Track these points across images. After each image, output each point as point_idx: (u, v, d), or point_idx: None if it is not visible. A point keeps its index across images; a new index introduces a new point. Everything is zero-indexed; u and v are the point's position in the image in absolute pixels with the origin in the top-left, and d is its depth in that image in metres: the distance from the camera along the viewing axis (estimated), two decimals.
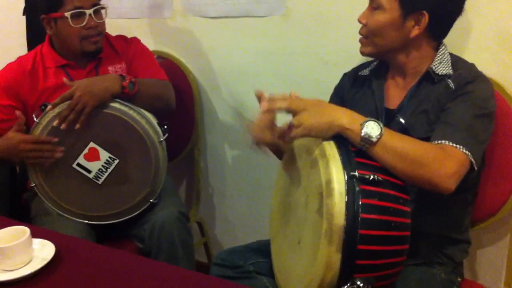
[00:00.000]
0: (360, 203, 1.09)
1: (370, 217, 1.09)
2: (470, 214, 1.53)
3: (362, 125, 1.19)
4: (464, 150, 1.25)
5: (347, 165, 1.14)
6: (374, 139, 1.19)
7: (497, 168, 1.56)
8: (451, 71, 1.40)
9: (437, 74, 1.40)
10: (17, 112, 1.72)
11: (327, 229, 1.08)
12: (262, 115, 1.38)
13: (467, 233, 1.52)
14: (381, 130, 1.19)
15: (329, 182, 1.11)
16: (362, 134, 1.19)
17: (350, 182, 1.11)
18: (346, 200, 1.09)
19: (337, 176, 1.11)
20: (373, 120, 1.20)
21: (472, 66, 1.44)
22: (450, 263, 1.46)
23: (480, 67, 1.44)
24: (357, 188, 1.10)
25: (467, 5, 1.42)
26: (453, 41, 1.53)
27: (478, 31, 1.61)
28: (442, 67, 1.41)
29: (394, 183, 1.19)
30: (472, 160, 1.25)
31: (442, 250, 1.46)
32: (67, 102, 1.64)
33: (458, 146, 1.25)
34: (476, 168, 1.27)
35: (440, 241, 1.46)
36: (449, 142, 1.26)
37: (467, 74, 1.39)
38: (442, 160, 1.22)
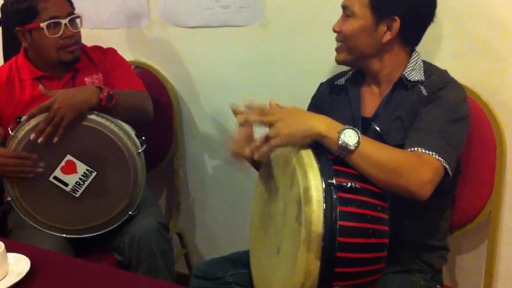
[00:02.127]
0: (338, 210, 1.09)
1: (348, 224, 1.09)
2: (448, 220, 1.54)
3: (339, 133, 1.20)
4: (438, 157, 1.25)
5: (325, 173, 1.13)
6: (352, 147, 1.19)
7: (473, 173, 1.58)
8: (423, 78, 1.42)
9: (410, 81, 1.41)
10: None
11: (306, 237, 1.08)
12: (238, 129, 1.40)
13: (445, 240, 1.53)
14: (359, 139, 1.20)
15: (307, 190, 1.11)
16: (340, 142, 1.19)
17: (328, 190, 1.11)
18: (324, 207, 1.08)
19: (315, 184, 1.11)
20: (350, 128, 1.21)
21: (444, 73, 1.46)
22: (429, 270, 1.47)
23: (454, 74, 1.45)
24: (334, 196, 1.10)
25: (439, 12, 1.44)
26: (426, 48, 1.55)
27: (451, 38, 1.63)
28: (415, 73, 1.43)
29: (371, 191, 1.19)
30: (447, 166, 1.26)
31: (421, 257, 1.46)
32: (44, 114, 1.62)
33: (432, 153, 1.26)
34: (450, 173, 1.28)
35: (419, 248, 1.46)
36: (423, 149, 1.26)
37: (439, 80, 1.41)
38: (417, 169, 1.22)
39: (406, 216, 1.41)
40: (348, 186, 1.13)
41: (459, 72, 1.53)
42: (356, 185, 1.14)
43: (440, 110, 1.34)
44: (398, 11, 1.37)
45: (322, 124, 1.22)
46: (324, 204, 1.09)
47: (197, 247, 2.49)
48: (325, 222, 1.07)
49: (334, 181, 1.12)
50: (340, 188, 1.12)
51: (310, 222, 1.07)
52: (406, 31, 1.40)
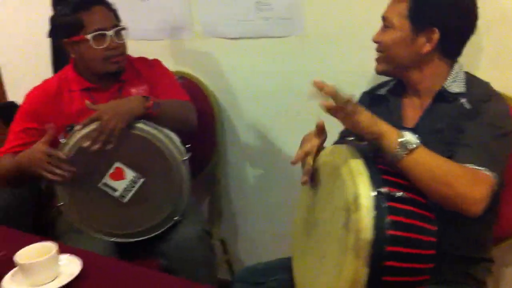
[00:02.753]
0: (387, 219, 1.10)
1: (396, 233, 1.10)
2: (492, 232, 1.52)
3: (399, 134, 1.21)
4: (491, 174, 1.26)
5: (375, 182, 1.14)
6: (413, 146, 1.20)
7: None
8: (464, 90, 1.42)
9: (450, 93, 1.42)
10: (48, 125, 1.73)
11: (354, 244, 1.08)
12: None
13: (490, 252, 1.52)
14: (419, 141, 1.21)
15: (356, 197, 1.12)
16: (400, 140, 1.20)
17: (378, 198, 1.12)
18: (374, 215, 1.09)
19: (364, 191, 1.12)
20: (410, 132, 1.22)
21: (487, 85, 1.45)
22: (473, 282, 1.46)
23: (495, 83, 1.45)
24: (384, 205, 1.11)
25: (480, 24, 1.44)
26: (466, 58, 1.54)
27: (493, 50, 1.63)
28: (455, 85, 1.43)
29: (420, 202, 1.19)
30: (497, 185, 1.27)
31: (465, 270, 1.45)
32: (95, 123, 1.67)
33: (486, 169, 1.26)
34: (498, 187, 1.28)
35: (463, 261, 1.45)
36: (476, 166, 1.26)
37: (482, 93, 1.40)
38: (474, 185, 1.23)
39: (450, 228, 1.39)
40: (397, 195, 1.13)
41: (500, 81, 1.52)
42: (406, 195, 1.15)
43: (485, 125, 1.34)
44: (437, 23, 1.38)
45: (384, 124, 1.24)
46: (374, 212, 1.09)
47: (239, 254, 2.51)
48: (374, 230, 1.08)
49: (383, 190, 1.13)
50: (389, 197, 1.13)
51: (359, 229, 1.08)
52: (446, 42, 1.41)
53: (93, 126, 1.67)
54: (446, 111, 1.42)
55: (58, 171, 1.67)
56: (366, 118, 1.23)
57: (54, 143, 1.82)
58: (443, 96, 1.43)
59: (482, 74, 1.51)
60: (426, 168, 1.20)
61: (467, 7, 1.41)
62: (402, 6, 1.42)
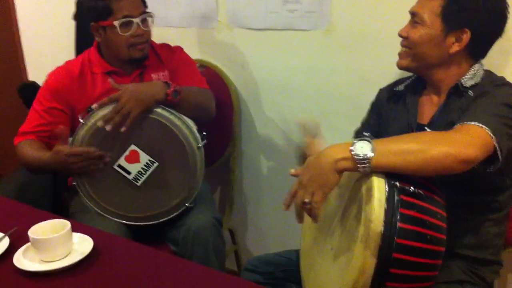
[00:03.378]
0: (399, 212, 1.10)
1: (407, 227, 1.10)
2: (503, 235, 1.51)
3: (351, 151, 1.17)
4: (481, 125, 1.21)
5: (389, 175, 1.15)
6: (369, 151, 1.16)
7: None
8: (478, 82, 1.41)
9: (464, 87, 1.41)
10: (60, 127, 1.75)
11: (364, 234, 1.09)
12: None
13: (499, 254, 1.51)
14: (371, 144, 1.17)
15: (369, 189, 1.12)
16: (355, 157, 1.16)
17: (391, 191, 1.12)
18: (385, 207, 1.09)
19: (377, 184, 1.12)
20: (358, 141, 1.18)
21: (502, 78, 1.44)
22: (480, 283, 1.45)
23: None
24: (396, 198, 1.11)
25: (508, 28, 1.43)
26: (494, 61, 1.54)
27: None
28: (472, 80, 1.41)
29: (433, 199, 1.19)
30: (495, 143, 1.21)
31: (472, 270, 1.44)
32: (113, 105, 1.68)
33: (473, 122, 1.22)
34: (500, 153, 1.22)
35: (471, 261, 1.44)
36: (462, 123, 1.23)
37: (488, 81, 1.40)
38: (451, 135, 1.20)
39: (460, 228, 1.40)
40: (410, 190, 1.13)
41: None
42: (419, 191, 1.14)
43: (489, 98, 1.32)
44: (470, 24, 1.37)
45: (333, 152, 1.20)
46: (386, 204, 1.10)
47: (247, 245, 2.52)
48: (385, 222, 1.08)
49: (397, 184, 1.13)
50: (402, 191, 1.13)
51: (370, 220, 1.09)
52: (474, 44, 1.40)
53: (110, 107, 1.69)
54: (457, 104, 1.41)
55: (92, 162, 1.69)
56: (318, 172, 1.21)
57: (74, 124, 1.85)
58: (458, 91, 1.42)
59: (508, 77, 1.49)
60: (394, 155, 1.16)
61: (499, 9, 1.40)
62: (435, 3, 1.40)
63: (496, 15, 1.40)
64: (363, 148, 1.16)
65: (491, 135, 1.20)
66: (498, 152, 1.21)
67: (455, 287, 1.41)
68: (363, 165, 1.16)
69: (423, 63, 1.45)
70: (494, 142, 1.20)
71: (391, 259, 1.09)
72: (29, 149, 1.82)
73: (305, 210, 1.23)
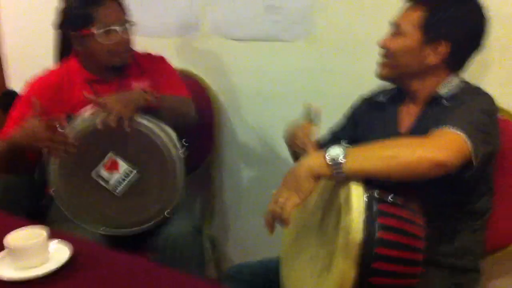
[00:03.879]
0: (377, 221, 1.11)
1: (386, 236, 1.11)
2: (482, 243, 1.52)
3: (325, 157, 1.19)
4: (455, 130, 1.22)
5: (367, 183, 1.15)
6: (342, 159, 1.17)
7: (509, 198, 1.56)
8: (451, 90, 1.43)
9: (440, 95, 1.43)
10: (33, 99, 1.71)
11: (344, 244, 1.09)
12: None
13: (477, 263, 1.52)
14: (344, 149, 1.18)
15: (347, 199, 1.13)
16: (328, 161, 1.18)
17: (369, 201, 1.13)
18: (364, 217, 1.10)
19: (356, 193, 1.13)
20: (333, 146, 1.20)
21: (476, 87, 1.46)
22: None
23: (500, 101, 1.45)
24: (375, 207, 1.12)
25: (487, 39, 1.45)
26: (473, 74, 1.56)
27: (498, 65, 1.64)
28: (446, 89, 1.43)
29: (411, 207, 1.20)
30: (470, 148, 1.21)
31: (452, 280, 1.45)
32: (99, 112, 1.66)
33: (447, 127, 1.23)
34: (475, 163, 1.23)
35: (450, 270, 1.45)
36: (439, 128, 1.25)
37: (464, 92, 1.42)
38: (426, 140, 1.21)
39: (438, 236, 1.41)
40: (389, 199, 1.14)
41: (506, 99, 1.53)
42: (397, 199, 1.15)
43: (464, 107, 1.33)
44: (449, 36, 1.39)
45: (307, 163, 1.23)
46: (364, 214, 1.10)
47: (228, 253, 2.52)
48: (364, 232, 1.09)
49: (375, 193, 1.14)
50: (381, 200, 1.14)
51: (349, 230, 1.09)
52: (453, 56, 1.42)
53: (93, 111, 1.67)
54: (434, 113, 1.42)
55: (57, 145, 1.65)
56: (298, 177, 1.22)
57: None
58: (434, 100, 1.44)
59: (487, 89, 1.51)
60: (368, 160, 1.18)
61: (478, 23, 1.42)
62: (416, 15, 1.42)
63: (475, 28, 1.42)
64: (337, 154, 1.18)
65: (466, 140, 1.21)
66: (473, 158, 1.22)
67: None
68: (336, 169, 1.17)
69: (401, 73, 1.47)
70: (470, 148, 1.21)
71: (371, 269, 1.09)
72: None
73: (274, 213, 1.24)
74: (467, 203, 1.44)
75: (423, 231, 1.19)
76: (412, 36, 1.42)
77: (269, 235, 1.29)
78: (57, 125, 1.70)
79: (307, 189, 1.20)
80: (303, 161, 1.23)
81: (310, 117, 1.54)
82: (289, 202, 1.21)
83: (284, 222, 1.22)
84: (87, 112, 1.69)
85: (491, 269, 1.77)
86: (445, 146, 1.19)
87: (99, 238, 1.76)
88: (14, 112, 1.89)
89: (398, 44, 1.44)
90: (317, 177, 1.20)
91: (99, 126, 1.64)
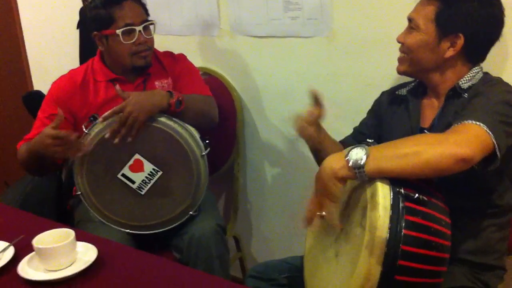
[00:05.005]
0: (404, 219, 1.10)
1: (412, 234, 1.10)
2: (506, 240, 1.50)
3: (346, 159, 1.19)
4: (476, 122, 1.21)
5: (394, 182, 1.15)
6: (363, 161, 1.16)
7: None
8: (474, 84, 1.42)
9: (462, 89, 1.41)
10: (58, 110, 1.71)
11: (369, 241, 1.09)
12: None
13: (502, 260, 1.50)
14: (366, 150, 1.18)
15: (374, 195, 1.12)
16: (350, 165, 1.17)
17: (396, 198, 1.12)
18: (390, 214, 1.09)
19: (382, 191, 1.13)
20: (353, 148, 1.20)
21: (496, 78, 1.44)
22: None
23: None
24: (401, 204, 1.11)
25: (506, 31, 1.43)
26: (493, 66, 1.53)
27: None
28: (469, 83, 1.42)
29: (438, 206, 1.19)
30: (494, 140, 1.20)
31: (476, 276, 1.44)
32: (117, 115, 1.68)
33: (469, 121, 1.22)
34: (499, 154, 1.21)
35: (474, 266, 1.44)
36: (456, 123, 1.24)
37: (482, 83, 1.41)
38: (447, 136, 1.20)
39: (462, 233, 1.40)
40: (415, 197, 1.13)
41: None
42: (424, 197, 1.14)
43: (483, 99, 1.32)
44: (463, 29, 1.38)
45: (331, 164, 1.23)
46: (391, 211, 1.10)
47: (252, 251, 2.52)
48: (390, 229, 1.08)
49: (402, 190, 1.13)
50: (407, 198, 1.13)
51: (375, 227, 1.09)
52: (470, 48, 1.41)
53: (114, 118, 1.69)
54: (455, 106, 1.41)
55: (68, 152, 1.66)
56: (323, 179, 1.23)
57: (77, 131, 1.85)
58: (454, 93, 1.43)
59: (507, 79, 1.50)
60: (390, 160, 1.17)
61: (494, 14, 1.40)
62: (430, 9, 1.41)
63: (491, 20, 1.40)
64: (357, 155, 1.18)
65: (489, 132, 1.20)
66: (497, 150, 1.21)
67: None
68: (358, 171, 1.17)
69: (420, 68, 1.46)
70: (492, 139, 1.20)
71: (396, 266, 1.08)
72: (25, 145, 1.82)
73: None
74: (491, 198, 1.42)
75: (449, 230, 1.18)
76: (427, 31, 1.41)
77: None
78: (83, 127, 1.74)
79: (336, 192, 1.21)
80: (325, 164, 1.23)
81: (317, 103, 1.53)
82: (328, 209, 1.23)
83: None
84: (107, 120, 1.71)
85: None
86: (466, 140, 1.17)
87: (125, 238, 1.78)
88: (41, 113, 1.92)
89: (415, 39, 1.43)
90: (342, 179, 1.21)
91: (107, 136, 1.67)
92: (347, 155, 1.18)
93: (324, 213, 1.24)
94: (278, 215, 2.35)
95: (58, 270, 1.30)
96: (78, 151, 1.69)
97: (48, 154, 1.67)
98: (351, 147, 1.20)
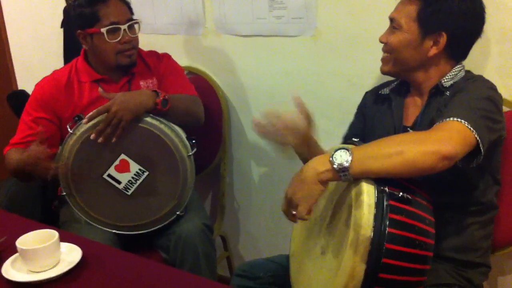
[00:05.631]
0: (388, 217, 1.10)
1: (396, 232, 1.11)
2: (490, 237, 1.51)
3: (331, 161, 1.18)
4: (458, 119, 1.21)
5: (378, 181, 1.15)
6: (348, 160, 1.16)
7: None
8: (456, 82, 1.42)
9: (444, 87, 1.42)
10: (39, 127, 1.74)
11: (354, 239, 1.09)
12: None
13: (486, 257, 1.50)
14: (350, 152, 1.17)
15: (359, 194, 1.13)
16: (335, 167, 1.17)
17: (380, 196, 1.12)
18: (375, 212, 1.10)
19: (367, 189, 1.13)
20: (336, 150, 1.19)
21: (477, 76, 1.45)
22: (469, 286, 1.45)
23: (502, 90, 1.44)
24: (386, 203, 1.12)
25: (487, 29, 1.44)
26: (473, 64, 1.54)
27: (497, 56, 1.62)
28: (451, 81, 1.43)
29: (421, 204, 1.20)
30: (476, 136, 1.20)
31: (461, 273, 1.45)
32: (102, 115, 1.68)
33: (450, 118, 1.22)
34: (481, 146, 1.21)
35: (458, 264, 1.45)
36: (439, 122, 1.24)
37: (464, 80, 1.42)
38: (429, 134, 1.20)
39: (446, 230, 1.41)
40: (399, 195, 1.14)
41: (506, 89, 1.52)
42: (408, 196, 1.14)
43: (465, 95, 1.33)
44: (446, 27, 1.38)
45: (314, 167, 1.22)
46: (375, 210, 1.10)
47: (239, 250, 2.52)
48: (374, 227, 1.09)
49: (386, 189, 1.13)
50: (392, 196, 1.13)
51: (359, 225, 1.09)
52: (453, 46, 1.41)
53: (99, 118, 1.68)
54: (438, 104, 1.42)
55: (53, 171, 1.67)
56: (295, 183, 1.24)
57: (63, 133, 1.84)
58: (437, 91, 1.44)
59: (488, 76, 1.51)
60: (374, 160, 1.17)
61: (475, 11, 1.41)
62: (411, 8, 1.41)
63: (472, 17, 1.41)
64: (341, 157, 1.17)
65: (471, 128, 1.21)
66: (480, 145, 1.21)
67: None
68: (343, 174, 1.17)
69: (404, 67, 1.47)
70: (475, 135, 1.21)
71: (380, 264, 1.09)
72: (14, 155, 1.80)
73: (294, 220, 1.26)
74: (474, 195, 1.43)
75: (433, 228, 1.18)
76: (410, 30, 1.41)
77: (290, 228, 1.35)
78: (68, 127, 1.72)
79: (316, 194, 1.21)
80: (309, 165, 1.23)
81: (304, 114, 1.52)
82: (301, 209, 1.22)
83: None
84: (92, 120, 1.70)
85: (502, 264, 1.76)
86: (449, 138, 1.18)
87: (111, 238, 1.78)
88: (25, 116, 1.91)
89: (398, 38, 1.43)
90: (325, 182, 1.21)
91: (92, 137, 1.67)
92: (331, 158, 1.18)
93: (294, 212, 1.23)
94: (265, 214, 2.36)
95: (42, 271, 1.29)
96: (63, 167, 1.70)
97: (37, 174, 1.68)
98: (335, 148, 1.20)
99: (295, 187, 1.24)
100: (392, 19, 1.46)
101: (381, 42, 1.49)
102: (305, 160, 1.53)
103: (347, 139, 1.69)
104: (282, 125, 1.48)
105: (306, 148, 1.53)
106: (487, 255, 1.50)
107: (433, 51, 1.41)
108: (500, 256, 1.65)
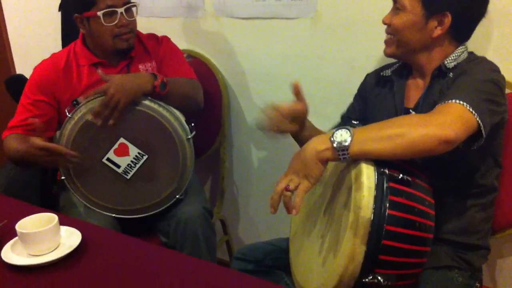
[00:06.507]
0: (388, 199, 1.10)
1: (396, 214, 1.10)
2: (490, 220, 1.51)
3: (331, 140, 1.18)
4: (460, 102, 1.20)
5: (378, 163, 1.15)
6: (347, 141, 1.16)
7: None
8: (459, 63, 1.41)
9: (447, 68, 1.41)
10: (35, 120, 1.74)
11: (354, 221, 1.09)
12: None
13: (486, 240, 1.50)
14: (350, 132, 1.17)
15: (358, 176, 1.12)
16: (335, 146, 1.17)
17: (380, 178, 1.12)
18: (375, 194, 1.10)
19: (367, 171, 1.12)
20: (338, 129, 1.19)
21: (480, 57, 1.44)
22: (468, 268, 1.45)
23: (503, 72, 1.42)
24: (386, 185, 1.11)
25: (491, 11, 1.43)
26: (475, 46, 1.53)
27: (500, 38, 1.61)
28: (454, 62, 1.42)
29: (421, 186, 1.19)
30: (472, 111, 1.20)
31: (460, 255, 1.45)
32: (99, 98, 1.67)
33: (451, 101, 1.21)
34: (483, 129, 1.21)
35: (458, 246, 1.45)
36: (441, 103, 1.23)
37: (467, 62, 1.40)
38: (431, 116, 1.19)
39: (446, 213, 1.40)
40: (399, 177, 1.13)
41: (507, 72, 1.50)
42: (408, 178, 1.14)
43: (467, 77, 1.32)
44: (450, 7, 1.36)
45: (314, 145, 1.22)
46: (375, 191, 1.10)
47: (239, 234, 2.53)
48: (374, 209, 1.08)
49: (386, 171, 1.13)
50: (391, 178, 1.13)
51: (359, 207, 1.09)
52: (457, 26, 1.39)
53: (97, 100, 1.67)
54: (440, 85, 1.41)
55: (59, 162, 1.68)
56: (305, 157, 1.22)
57: (61, 116, 1.83)
58: (440, 72, 1.43)
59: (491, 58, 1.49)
60: (374, 142, 1.16)
61: None
62: None
63: None
64: (342, 137, 1.17)
65: (473, 111, 1.20)
66: (482, 128, 1.21)
67: (443, 272, 1.41)
68: (342, 153, 1.16)
69: (408, 49, 1.45)
70: (477, 118, 1.20)
71: (380, 246, 1.09)
72: (13, 142, 1.79)
73: (284, 198, 1.24)
74: (474, 178, 1.42)
75: (433, 210, 1.18)
76: (414, 11, 1.39)
77: (272, 214, 1.32)
78: (66, 111, 1.72)
79: (317, 174, 1.20)
80: (309, 145, 1.22)
81: (299, 98, 1.51)
82: (302, 187, 1.21)
83: (291, 210, 1.24)
84: (91, 103, 1.69)
85: (501, 246, 1.76)
86: (450, 121, 1.17)
87: (111, 222, 1.78)
88: (24, 99, 1.90)
89: (401, 19, 1.41)
90: (324, 161, 1.20)
91: (90, 119, 1.66)
92: (331, 137, 1.18)
93: (291, 186, 1.22)
94: (264, 198, 2.34)
95: (42, 255, 1.30)
96: (68, 161, 1.68)
97: (39, 163, 1.69)
98: (336, 128, 1.19)
99: (295, 166, 1.23)
100: (395, 0, 1.44)
101: (385, 23, 1.47)
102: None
103: (344, 119, 1.69)
104: (279, 115, 1.47)
105: (307, 132, 1.53)
106: (487, 237, 1.50)
107: (438, 31, 1.39)
108: (499, 238, 1.65)
